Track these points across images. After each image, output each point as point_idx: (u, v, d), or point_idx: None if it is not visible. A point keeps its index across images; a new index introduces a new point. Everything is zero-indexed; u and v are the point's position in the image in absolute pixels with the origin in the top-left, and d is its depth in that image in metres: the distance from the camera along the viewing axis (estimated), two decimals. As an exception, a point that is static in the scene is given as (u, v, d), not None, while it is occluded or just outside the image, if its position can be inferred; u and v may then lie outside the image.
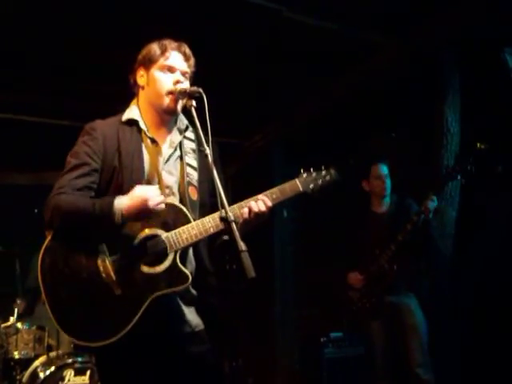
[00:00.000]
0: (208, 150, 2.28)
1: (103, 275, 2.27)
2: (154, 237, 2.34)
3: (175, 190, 2.50)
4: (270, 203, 2.44)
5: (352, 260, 4.68)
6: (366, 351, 5.36)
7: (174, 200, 2.45)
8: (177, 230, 2.34)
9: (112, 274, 2.27)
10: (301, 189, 2.58)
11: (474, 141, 5.11)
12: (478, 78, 4.96)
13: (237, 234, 2.07)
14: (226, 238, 2.17)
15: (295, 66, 5.26)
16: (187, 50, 2.59)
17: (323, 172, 2.68)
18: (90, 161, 2.40)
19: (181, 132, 2.62)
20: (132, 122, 2.52)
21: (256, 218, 2.40)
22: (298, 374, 6.06)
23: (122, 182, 2.39)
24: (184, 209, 2.39)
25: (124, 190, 2.35)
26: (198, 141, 2.55)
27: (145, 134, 2.51)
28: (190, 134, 2.64)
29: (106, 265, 2.27)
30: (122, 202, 2.26)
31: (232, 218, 2.14)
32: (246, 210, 2.41)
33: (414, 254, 4.46)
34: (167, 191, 2.46)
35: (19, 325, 4.71)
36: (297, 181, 2.59)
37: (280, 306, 6.73)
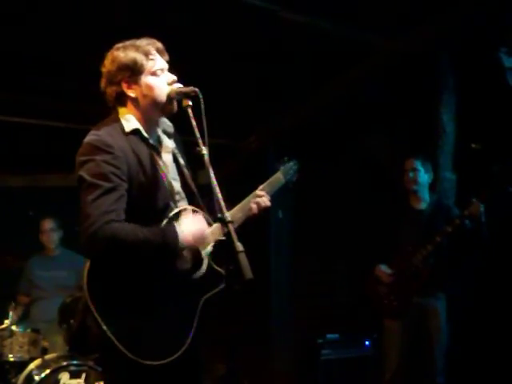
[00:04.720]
0: (204, 151, 2.26)
1: (156, 292, 2.27)
2: None
3: (183, 194, 2.51)
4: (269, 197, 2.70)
5: (383, 253, 4.63)
6: (373, 351, 5.39)
7: (186, 205, 2.48)
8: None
9: (164, 289, 2.28)
10: (284, 180, 2.87)
11: (469, 141, 5.13)
12: (474, 78, 4.96)
13: (234, 234, 2.06)
14: (222, 238, 2.18)
15: (290, 67, 5.25)
16: (160, 45, 2.52)
17: (291, 163, 2.98)
18: (120, 182, 2.27)
19: (169, 136, 2.60)
20: (135, 132, 2.44)
21: (262, 211, 2.64)
22: (295, 375, 6.04)
23: (150, 197, 2.35)
24: (203, 212, 2.43)
25: (153, 205, 2.35)
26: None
27: (148, 142, 2.46)
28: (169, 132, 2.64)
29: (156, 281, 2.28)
30: (183, 233, 2.27)
31: (229, 218, 2.12)
32: (254, 206, 2.62)
33: (454, 256, 4.42)
34: (177, 197, 2.47)
35: (14, 328, 4.67)
36: (279, 174, 2.86)
37: (276, 308, 6.72)
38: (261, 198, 2.65)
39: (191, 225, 2.31)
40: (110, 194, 2.22)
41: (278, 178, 2.85)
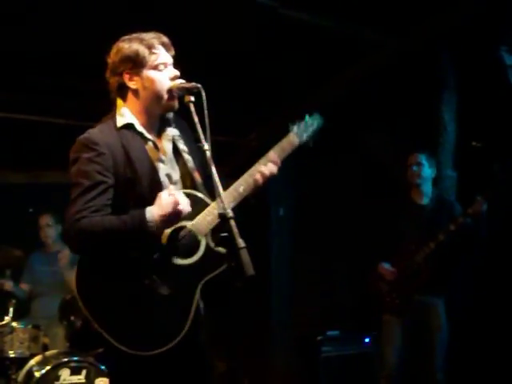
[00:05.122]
0: (206, 146, 2.24)
1: (145, 280, 2.26)
2: (181, 228, 2.35)
3: (181, 184, 2.50)
4: (279, 161, 2.58)
5: (385, 250, 4.62)
6: (373, 347, 5.39)
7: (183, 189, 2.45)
8: (200, 215, 2.36)
9: (153, 276, 2.26)
10: (297, 141, 2.69)
11: (470, 139, 5.13)
12: (474, 77, 4.96)
13: (236, 230, 2.04)
14: (224, 234, 2.16)
15: (291, 64, 5.24)
16: (166, 40, 2.51)
17: (309, 120, 2.78)
18: (103, 179, 2.29)
19: (170, 124, 2.57)
20: (129, 127, 2.44)
21: (267, 181, 2.51)
22: (295, 373, 6.05)
23: (141, 192, 2.34)
24: (198, 193, 2.41)
25: (147, 199, 2.31)
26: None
27: (143, 136, 2.45)
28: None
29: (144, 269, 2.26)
30: (153, 211, 2.23)
31: (231, 214, 2.09)
32: (258, 177, 2.51)
33: (456, 254, 4.43)
34: (175, 187, 2.45)
35: (14, 324, 4.67)
36: (291, 135, 2.69)
37: (276, 306, 6.72)
38: (266, 165, 2.55)
39: (161, 200, 2.24)
40: (88, 193, 2.26)
41: (290, 139, 2.68)
